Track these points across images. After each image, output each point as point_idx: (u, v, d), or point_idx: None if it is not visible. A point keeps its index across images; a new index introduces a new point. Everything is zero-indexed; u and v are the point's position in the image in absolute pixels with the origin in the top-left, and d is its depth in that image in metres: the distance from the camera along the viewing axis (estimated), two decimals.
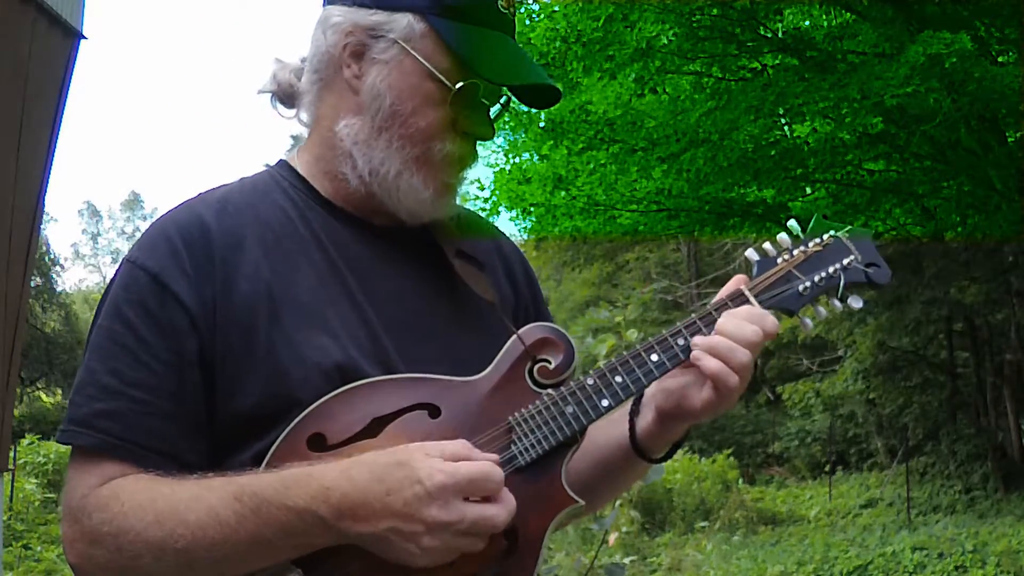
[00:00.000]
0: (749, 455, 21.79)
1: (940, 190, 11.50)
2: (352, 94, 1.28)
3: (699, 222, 12.39)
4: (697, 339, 1.24)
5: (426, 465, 1.07)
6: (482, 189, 12.81)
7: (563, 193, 11.67)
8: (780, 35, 10.43)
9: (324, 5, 1.33)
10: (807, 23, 10.98)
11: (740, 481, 17.89)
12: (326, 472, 1.09)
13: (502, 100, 1.33)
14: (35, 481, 13.93)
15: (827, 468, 19.41)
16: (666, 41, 9.54)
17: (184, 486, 1.13)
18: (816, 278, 1.31)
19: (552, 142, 11.46)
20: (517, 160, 13.04)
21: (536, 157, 12.62)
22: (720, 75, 10.67)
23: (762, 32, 10.38)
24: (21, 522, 12.42)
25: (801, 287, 1.30)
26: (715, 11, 9.72)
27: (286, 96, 1.39)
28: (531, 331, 1.26)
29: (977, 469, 15.19)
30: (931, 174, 11.30)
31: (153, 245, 1.23)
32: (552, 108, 11.09)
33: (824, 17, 10.77)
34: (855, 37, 10.07)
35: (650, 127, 10.34)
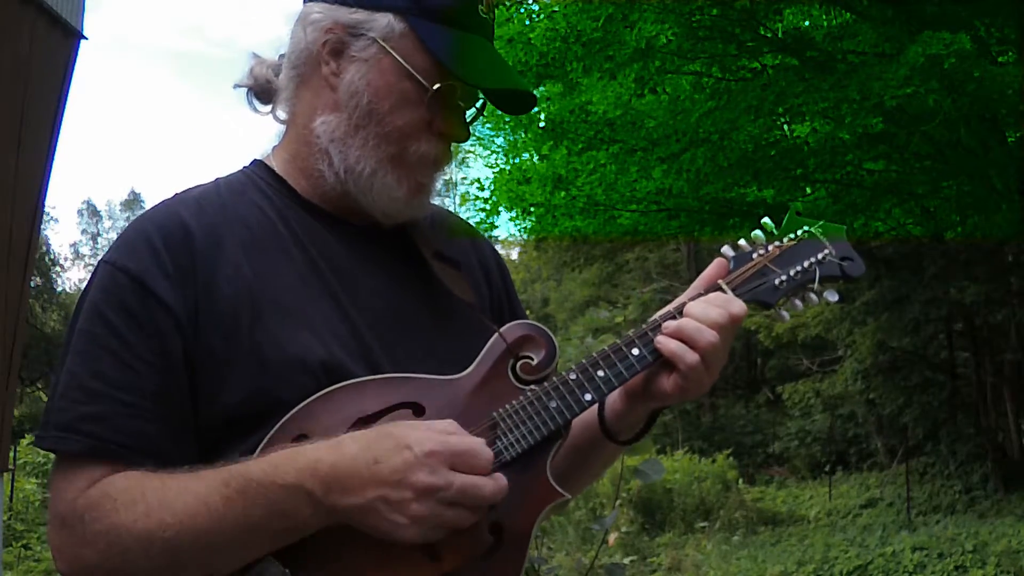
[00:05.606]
0: (749, 455, 21.81)
1: (940, 190, 11.51)
2: (330, 91, 1.28)
3: (699, 222, 12.40)
4: (665, 323, 1.25)
5: (415, 434, 1.08)
6: (482, 189, 12.83)
7: (563, 193, 11.68)
8: (780, 35, 10.42)
9: (305, 2, 1.34)
10: (807, 23, 10.98)
11: (740, 481, 17.90)
12: (316, 447, 1.10)
13: (478, 103, 1.35)
14: (35, 481, 13.93)
15: (827, 468, 19.42)
16: (666, 41, 9.52)
17: (174, 478, 1.13)
18: (792, 272, 1.34)
19: (552, 142, 11.47)
20: (517, 160, 13.05)
21: (536, 157, 12.63)
22: (720, 75, 10.67)
23: (762, 32, 10.38)
24: (21, 522, 12.43)
25: (777, 280, 1.33)
26: (715, 11, 9.72)
27: (262, 92, 1.39)
28: (512, 329, 1.26)
29: (977, 469, 15.20)
30: (931, 174, 11.31)
31: (132, 246, 1.22)
32: (552, 108, 11.14)
33: (824, 17, 10.77)
34: (855, 37, 10.07)
35: (650, 127, 10.35)
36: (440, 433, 1.10)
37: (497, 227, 13.26)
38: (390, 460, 1.07)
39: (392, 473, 1.07)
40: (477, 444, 1.11)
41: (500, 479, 1.11)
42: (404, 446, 1.07)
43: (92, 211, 53.61)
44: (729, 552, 13.11)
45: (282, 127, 1.37)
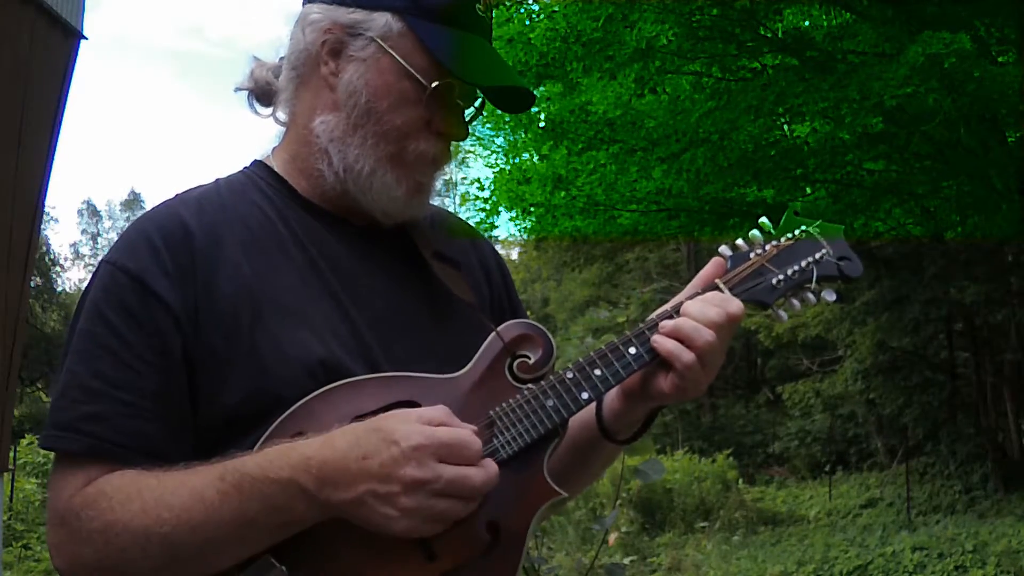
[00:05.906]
0: (749, 455, 21.81)
1: (940, 190, 11.51)
2: (329, 91, 1.29)
3: (699, 222, 12.40)
4: (662, 323, 1.25)
5: (403, 428, 1.09)
6: (482, 189, 12.83)
7: (563, 193, 11.68)
8: (780, 35, 10.42)
9: (304, 3, 1.34)
10: (807, 23, 10.97)
11: (740, 481, 17.89)
12: (308, 443, 1.11)
13: (477, 102, 1.35)
14: (35, 481, 13.91)
15: (827, 468, 19.41)
16: (666, 41, 9.52)
17: (170, 474, 1.13)
18: (789, 271, 1.34)
19: (552, 142, 11.47)
20: (517, 160, 13.04)
21: (536, 157, 12.63)
22: (720, 75, 10.67)
23: (762, 32, 10.38)
24: (21, 522, 12.42)
25: (774, 280, 1.33)
26: (715, 11, 9.72)
27: (263, 94, 1.39)
28: (510, 328, 1.27)
29: (977, 469, 15.19)
30: (931, 174, 11.31)
31: (133, 246, 1.22)
32: (552, 108, 11.14)
33: (824, 17, 10.76)
34: (855, 37, 10.07)
35: (650, 127, 10.35)
36: (428, 425, 1.10)
37: (497, 227, 13.26)
38: (378, 455, 1.07)
39: (380, 468, 1.07)
40: (465, 434, 1.11)
41: (491, 467, 1.11)
42: (392, 441, 1.08)
43: (92, 211, 53.66)
44: (729, 552, 13.11)
45: (282, 127, 1.37)
